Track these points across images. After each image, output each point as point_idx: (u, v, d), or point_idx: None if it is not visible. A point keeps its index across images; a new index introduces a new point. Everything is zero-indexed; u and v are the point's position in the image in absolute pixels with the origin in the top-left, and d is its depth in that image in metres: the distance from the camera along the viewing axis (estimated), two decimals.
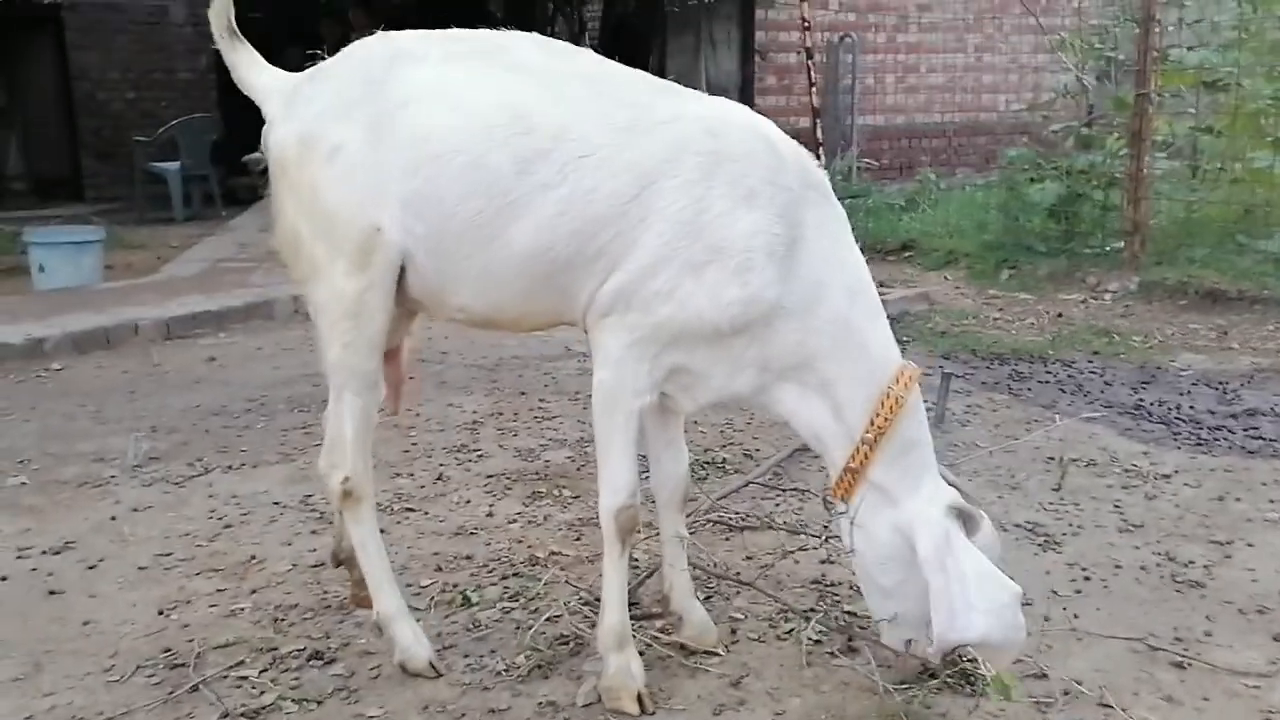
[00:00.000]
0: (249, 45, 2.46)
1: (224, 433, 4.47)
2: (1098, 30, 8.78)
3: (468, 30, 2.40)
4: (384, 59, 2.32)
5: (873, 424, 2.25)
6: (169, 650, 2.65)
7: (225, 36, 2.44)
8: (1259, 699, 2.41)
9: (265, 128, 2.40)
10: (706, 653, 2.58)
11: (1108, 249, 7.61)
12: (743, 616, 2.79)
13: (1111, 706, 2.35)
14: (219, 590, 3.00)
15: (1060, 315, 6.60)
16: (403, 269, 2.31)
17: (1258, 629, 2.73)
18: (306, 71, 2.43)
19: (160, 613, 2.86)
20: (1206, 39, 7.90)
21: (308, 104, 2.34)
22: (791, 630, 2.70)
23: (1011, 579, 2.20)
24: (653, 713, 2.34)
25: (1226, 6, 7.95)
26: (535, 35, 2.42)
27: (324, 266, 2.33)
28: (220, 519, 3.53)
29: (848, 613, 2.77)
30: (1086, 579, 3.01)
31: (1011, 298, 7.12)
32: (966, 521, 2.23)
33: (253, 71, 2.45)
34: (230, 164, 11.94)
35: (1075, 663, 2.53)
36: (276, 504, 3.66)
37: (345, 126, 2.27)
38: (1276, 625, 2.74)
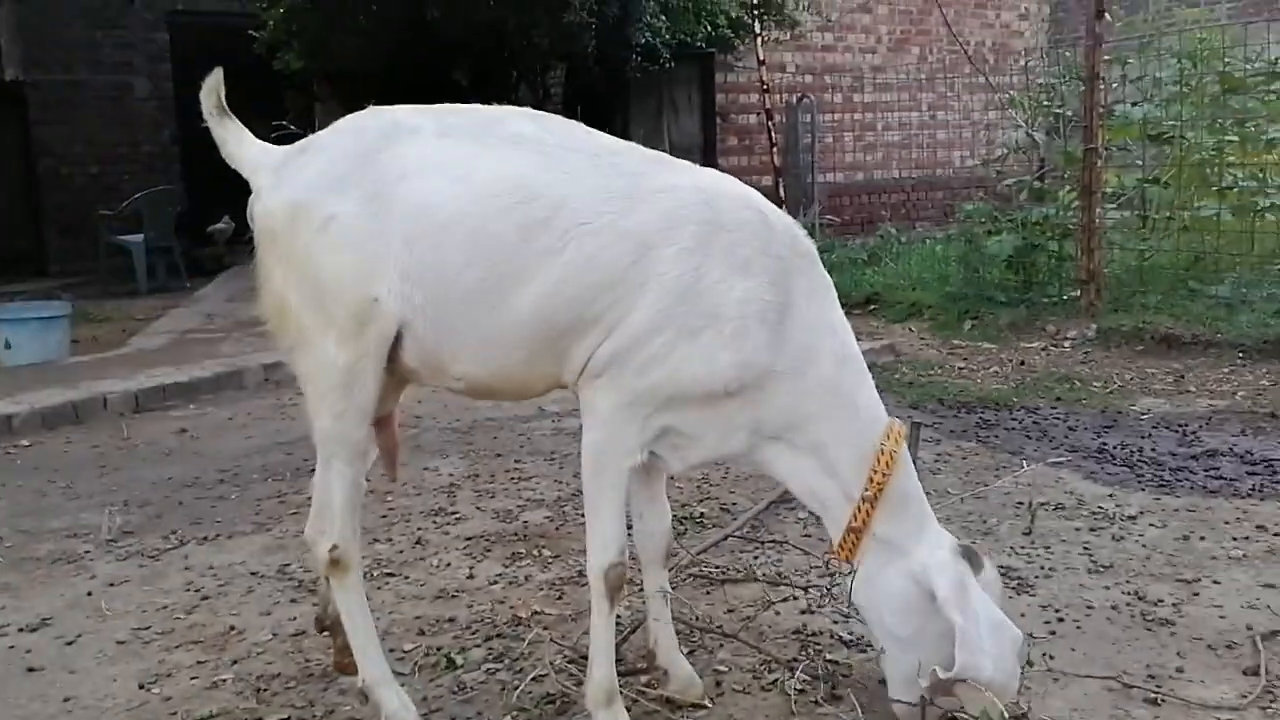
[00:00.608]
0: (237, 120, 2.49)
1: (198, 504, 4.46)
2: (1045, 88, 9.07)
3: (460, 105, 2.46)
4: (379, 132, 2.37)
5: (871, 481, 2.31)
6: None
7: (214, 113, 2.46)
8: None
9: (252, 199, 2.43)
10: (693, 705, 2.60)
11: (1065, 298, 7.81)
12: (727, 669, 2.82)
13: None
14: (199, 662, 2.98)
15: (1023, 363, 6.75)
16: (397, 338, 2.33)
17: (1228, 664, 2.79)
18: (296, 144, 2.47)
19: (141, 687, 2.84)
20: (1150, 94, 8.19)
21: (298, 174, 2.37)
22: (775, 681, 2.73)
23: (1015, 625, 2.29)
24: None
25: (1167, 63, 8.25)
26: (528, 109, 2.49)
27: (314, 336, 2.34)
28: (198, 591, 3.51)
29: (830, 661, 2.80)
30: (1060, 620, 3.07)
31: (975, 347, 7.27)
32: (971, 561, 2.30)
33: (241, 146, 2.48)
34: (195, 235, 12.00)
35: (1053, 702, 2.58)
36: (254, 574, 3.64)
37: (339, 198, 2.30)
38: (1246, 660, 2.80)
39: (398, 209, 2.27)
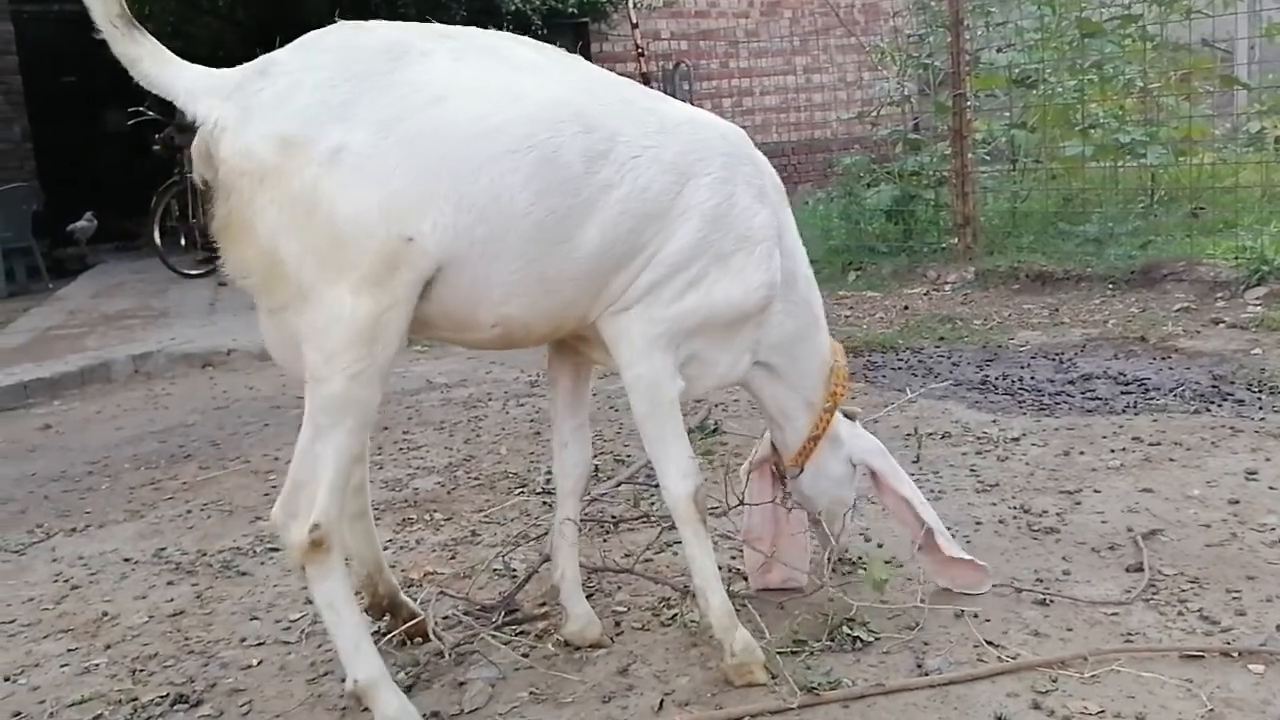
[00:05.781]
0: (147, 33, 2.06)
1: (65, 497, 4.22)
2: (913, 40, 9.23)
3: (442, 26, 2.26)
4: (382, 52, 2.09)
5: (833, 395, 2.59)
6: (19, 714, 2.47)
7: (118, 25, 1.98)
8: (1118, 624, 2.52)
9: (208, 132, 2.04)
10: (592, 646, 2.55)
11: (944, 244, 7.99)
12: (625, 609, 2.78)
13: (988, 645, 2.42)
14: (70, 650, 2.81)
15: (906, 308, 6.87)
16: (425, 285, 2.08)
17: (1111, 564, 2.87)
18: (251, 66, 2.11)
19: (6, 679, 2.66)
20: (1012, 40, 8.40)
21: (279, 103, 2.02)
22: (675, 616, 2.70)
23: None
24: (775, 677, 2.34)
25: (1028, 10, 8.48)
26: (521, 36, 2.34)
27: (321, 288, 2.02)
28: (67, 581, 3.31)
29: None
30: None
31: (860, 296, 7.37)
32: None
33: (167, 68, 2.05)
34: (55, 234, 11.41)
35: (945, 610, 2.60)
36: (127, 560, 3.46)
37: (343, 126, 2.00)
38: (1128, 559, 2.88)
39: (442, 135, 2.04)
